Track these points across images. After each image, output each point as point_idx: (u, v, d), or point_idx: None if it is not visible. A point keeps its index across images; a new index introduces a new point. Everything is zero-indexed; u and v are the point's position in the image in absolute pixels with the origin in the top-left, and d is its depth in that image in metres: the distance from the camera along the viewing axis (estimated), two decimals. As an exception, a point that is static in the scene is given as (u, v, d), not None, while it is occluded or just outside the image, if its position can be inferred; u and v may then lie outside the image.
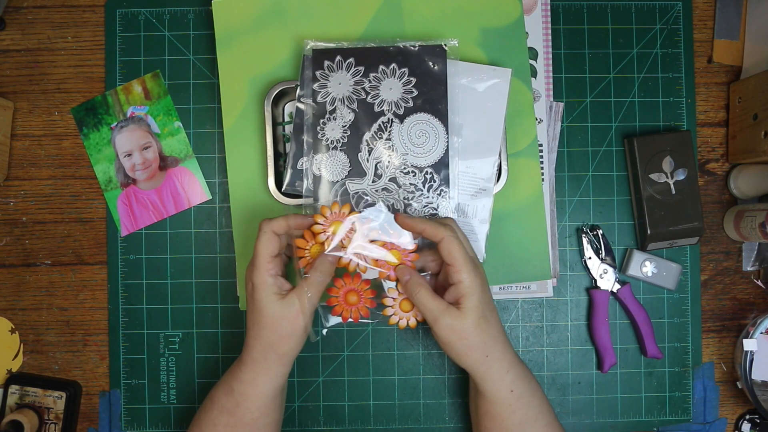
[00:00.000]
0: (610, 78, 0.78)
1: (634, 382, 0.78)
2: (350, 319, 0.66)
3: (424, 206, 0.70)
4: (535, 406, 0.65)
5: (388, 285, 0.67)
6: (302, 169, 0.71)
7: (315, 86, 0.70)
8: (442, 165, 0.71)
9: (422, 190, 0.70)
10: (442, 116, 0.71)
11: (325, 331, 0.69)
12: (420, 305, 0.63)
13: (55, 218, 0.78)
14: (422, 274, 0.67)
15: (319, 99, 0.70)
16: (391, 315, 0.67)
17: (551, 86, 0.78)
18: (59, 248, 0.78)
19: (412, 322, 0.67)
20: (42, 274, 0.78)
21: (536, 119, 0.76)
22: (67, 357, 0.78)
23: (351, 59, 0.70)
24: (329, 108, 0.70)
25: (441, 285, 0.67)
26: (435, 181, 0.70)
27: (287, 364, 0.64)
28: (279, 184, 0.72)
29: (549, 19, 0.78)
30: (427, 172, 0.71)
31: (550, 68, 0.78)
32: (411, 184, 0.70)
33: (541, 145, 0.76)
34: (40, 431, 0.75)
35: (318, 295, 0.63)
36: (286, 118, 0.75)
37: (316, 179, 0.70)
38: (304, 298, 0.62)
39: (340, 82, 0.70)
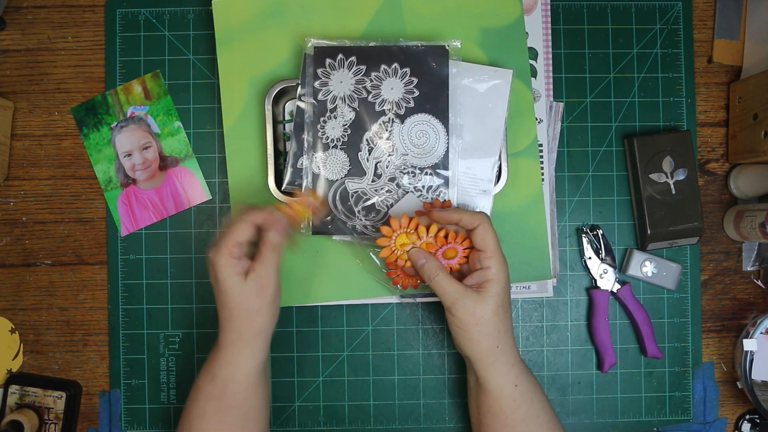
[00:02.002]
0: (610, 78, 0.78)
1: (634, 382, 0.78)
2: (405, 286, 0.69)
3: (425, 206, 0.70)
4: (538, 402, 0.65)
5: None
6: (302, 168, 0.71)
7: (316, 84, 0.70)
8: (441, 166, 0.71)
9: (421, 191, 0.70)
10: (443, 117, 0.71)
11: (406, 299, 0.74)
12: (438, 288, 0.63)
13: (55, 218, 0.78)
14: None
15: (320, 97, 0.70)
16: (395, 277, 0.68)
17: (551, 86, 0.78)
18: (59, 248, 0.78)
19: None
20: (42, 274, 0.78)
21: (536, 119, 0.76)
22: (67, 357, 0.78)
23: (353, 58, 0.70)
24: (330, 106, 0.70)
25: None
26: (434, 182, 0.70)
27: (266, 338, 0.64)
28: (279, 183, 0.72)
29: (549, 19, 0.78)
30: (426, 173, 0.71)
31: (550, 68, 0.78)
32: (410, 184, 0.70)
33: (541, 145, 0.76)
34: (40, 431, 0.75)
35: (276, 261, 0.63)
36: (287, 117, 0.75)
37: (316, 178, 0.70)
38: (263, 269, 0.62)
39: (341, 81, 0.70)
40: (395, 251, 0.65)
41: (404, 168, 0.70)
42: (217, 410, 0.64)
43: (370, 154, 0.70)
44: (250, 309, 0.62)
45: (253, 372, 0.64)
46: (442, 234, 0.64)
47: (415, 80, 0.70)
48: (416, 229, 0.64)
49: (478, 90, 0.72)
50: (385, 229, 0.64)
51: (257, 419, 0.65)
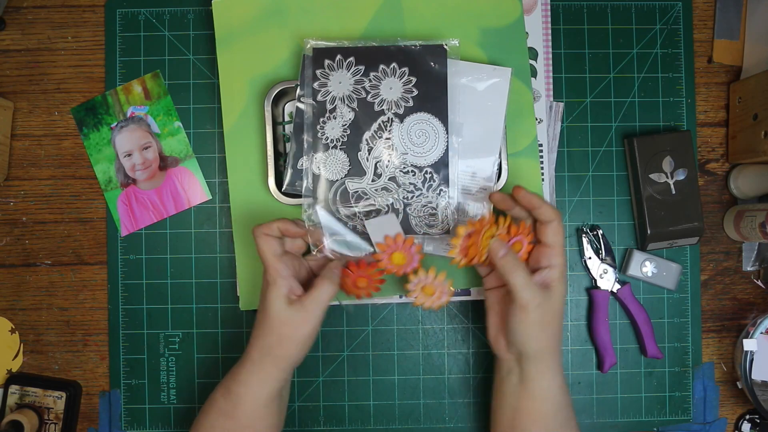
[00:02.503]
0: (610, 78, 0.78)
1: (634, 382, 0.78)
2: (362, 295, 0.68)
3: (423, 206, 0.70)
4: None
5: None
6: (302, 169, 0.71)
7: (315, 85, 0.70)
8: (441, 165, 0.71)
9: (421, 190, 0.70)
10: (442, 116, 0.71)
11: (343, 303, 0.74)
12: (516, 284, 0.61)
13: (55, 218, 0.78)
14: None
15: (319, 98, 0.70)
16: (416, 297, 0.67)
17: (551, 86, 0.78)
18: (59, 248, 0.78)
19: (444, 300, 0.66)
20: (42, 274, 0.78)
21: (536, 119, 0.76)
22: (67, 357, 0.78)
23: (351, 58, 0.70)
24: (329, 107, 0.70)
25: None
26: (434, 181, 0.70)
27: (284, 369, 0.63)
28: (279, 184, 0.72)
29: (549, 19, 0.78)
30: (426, 172, 0.71)
31: (550, 68, 0.78)
32: (410, 183, 0.70)
33: (541, 145, 0.76)
34: (40, 431, 0.75)
35: (326, 304, 0.62)
36: (286, 118, 0.75)
37: (316, 178, 0.70)
38: (311, 306, 0.61)
39: (340, 81, 0.70)
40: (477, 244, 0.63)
41: (404, 167, 0.70)
42: (225, 427, 0.63)
43: (369, 154, 0.70)
44: (283, 336, 0.62)
45: (263, 397, 0.63)
46: (514, 228, 0.64)
47: (414, 79, 0.70)
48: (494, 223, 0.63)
49: (477, 88, 0.72)
50: (461, 229, 0.63)
51: None
